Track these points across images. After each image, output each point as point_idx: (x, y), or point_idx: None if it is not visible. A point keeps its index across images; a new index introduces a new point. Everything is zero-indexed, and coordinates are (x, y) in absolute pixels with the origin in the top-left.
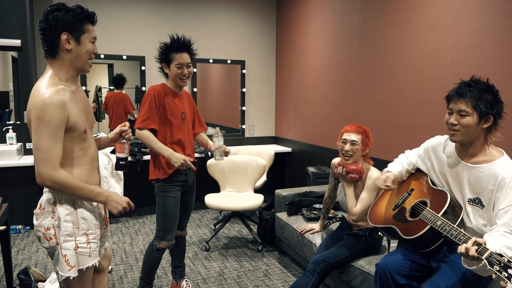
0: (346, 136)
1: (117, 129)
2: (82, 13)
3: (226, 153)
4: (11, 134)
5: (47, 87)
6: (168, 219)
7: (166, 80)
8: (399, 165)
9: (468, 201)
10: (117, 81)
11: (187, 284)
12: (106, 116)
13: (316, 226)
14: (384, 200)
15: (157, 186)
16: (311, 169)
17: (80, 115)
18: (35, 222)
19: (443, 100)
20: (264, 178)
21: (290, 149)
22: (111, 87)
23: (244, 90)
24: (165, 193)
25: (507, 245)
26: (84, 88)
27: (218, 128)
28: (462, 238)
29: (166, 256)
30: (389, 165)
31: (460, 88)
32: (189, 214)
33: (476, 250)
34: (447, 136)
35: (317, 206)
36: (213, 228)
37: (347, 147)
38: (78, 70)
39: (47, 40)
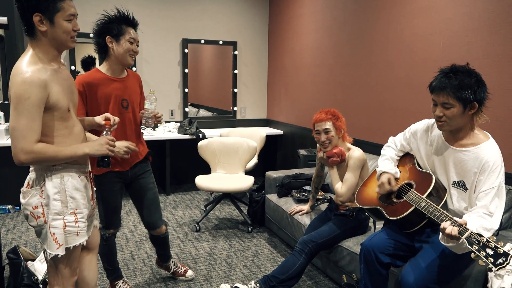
0: (317, 127)
1: (102, 116)
2: None
3: (158, 120)
4: None
5: (27, 66)
6: (107, 211)
7: (104, 62)
8: (390, 162)
9: (453, 184)
10: (86, 63)
11: (173, 264)
12: None
13: (305, 207)
14: (371, 182)
15: (95, 179)
16: (302, 151)
17: (62, 93)
18: (22, 200)
19: None
20: (255, 160)
21: (282, 131)
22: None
23: (236, 72)
24: (101, 186)
25: (484, 226)
26: (73, 68)
27: (152, 90)
28: (444, 218)
29: None
30: (380, 162)
31: (440, 81)
32: (148, 207)
33: (457, 230)
34: (433, 120)
35: (307, 188)
36: (204, 209)
37: (323, 137)
38: (59, 49)
39: (23, 20)
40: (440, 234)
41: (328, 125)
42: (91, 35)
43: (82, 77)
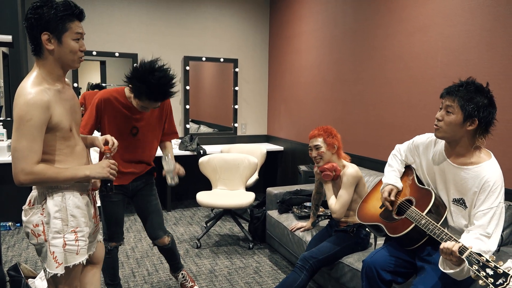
0: (310, 143)
1: (103, 139)
2: (65, 11)
3: (179, 172)
4: (1, 131)
5: (31, 87)
6: (110, 222)
7: (128, 88)
8: (396, 175)
9: (453, 201)
10: (97, 87)
11: (183, 277)
12: None
13: (306, 224)
14: (372, 198)
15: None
16: (303, 167)
17: (65, 114)
18: (23, 218)
19: (432, 100)
20: (255, 176)
21: (282, 147)
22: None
23: (236, 88)
24: (104, 197)
25: (482, 249)
26: (75, 85)
27: (167, 153)
28: (444, 237)
29: (158, 253)
30: (387, 173)
31: (451, 87)
32: (152, 218)
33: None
34: None
35: (307, 204)
36: (205, 225)
37: (314, 153)
38: (65, 68)
39: (31, 39)
40: (440, 259)
41: (319, 141)
42: (94, 52)
43: (105, 92)
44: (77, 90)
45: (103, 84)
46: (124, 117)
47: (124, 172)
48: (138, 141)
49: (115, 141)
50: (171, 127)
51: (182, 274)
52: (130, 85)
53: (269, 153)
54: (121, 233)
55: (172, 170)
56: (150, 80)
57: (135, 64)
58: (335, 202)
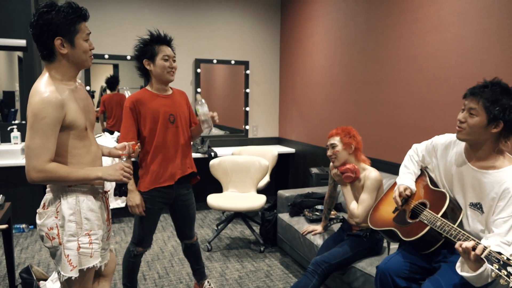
0: (328, 142)
1: (121, 145)
2: (73, 13)
3: (214, 119)
4: (15, 134)
5: (46, 86)
6: (144, 229)
7: (149, 83)
8: (411, 178)
9: (470, 205)
10: (111, 83)
11: (209, 285)
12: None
13: (318, 227)
14: (384, 203)
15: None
16: (314, 170)
17: (79, 112)
18: (38, 221)
19: (447, 100)
20: (267, 178)
21: (294, 150)
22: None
23: (247, 90)
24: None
25: None
26: (88, 88)
27: (198, 95)
28: (461, 237)
29: (168, 256)
30: (401, 174)
31: (475, 87)
32: (190, 223)
33: (474, 248)
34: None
35: (319, 207)
36: (216, 228)
37: (329, 151)
38: (78, 68)
39: (42, 45)
40: (458, 261)
41: (336, 140)
42: (106, 56)
43: (132, 96)
44: (90, 94)
45: (113, 75)
46: (160, 106)
47: (173, 168)
48: (177, 129)
49: (132, 146)
50: (193, 117)
51: (208, 282)
52: (143, 59)
53: (281, 156)
54: (151, 240)
55: (207, 113)
56: (150, 35)
57: (133, 53)
58: (357, 207)
